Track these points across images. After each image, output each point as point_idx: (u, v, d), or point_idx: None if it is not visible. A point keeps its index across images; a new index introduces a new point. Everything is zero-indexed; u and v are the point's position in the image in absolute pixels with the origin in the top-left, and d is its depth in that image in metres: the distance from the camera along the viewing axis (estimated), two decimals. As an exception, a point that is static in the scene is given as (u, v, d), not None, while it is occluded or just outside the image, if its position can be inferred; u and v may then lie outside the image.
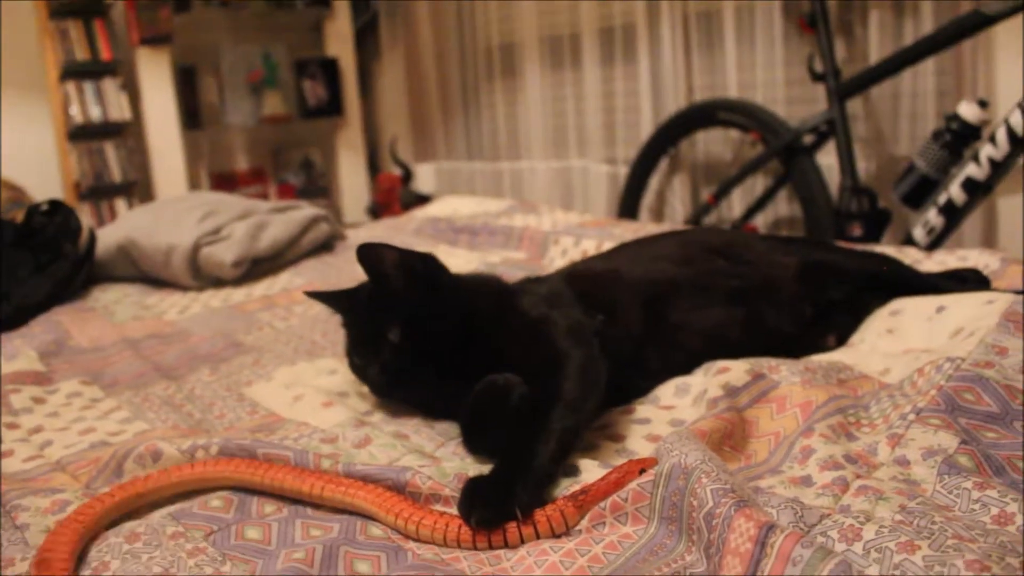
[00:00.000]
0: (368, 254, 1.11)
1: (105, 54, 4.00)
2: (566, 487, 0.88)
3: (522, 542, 0.81)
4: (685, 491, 0.77)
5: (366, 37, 4.80)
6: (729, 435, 0.96)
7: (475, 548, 0.81)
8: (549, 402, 0.95)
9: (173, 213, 2.30)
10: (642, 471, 0.84)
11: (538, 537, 0.81)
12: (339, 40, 4.59)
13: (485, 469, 0.89)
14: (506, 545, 0.81)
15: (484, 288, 1.21)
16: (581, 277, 1.28)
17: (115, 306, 2.00)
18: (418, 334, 1.10)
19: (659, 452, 0.89)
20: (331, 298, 1.24)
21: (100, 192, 4.08)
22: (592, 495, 0.83)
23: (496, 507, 0.82)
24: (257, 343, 1.62)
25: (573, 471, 0.93)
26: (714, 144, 3.16)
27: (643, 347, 1.15)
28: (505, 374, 1.01)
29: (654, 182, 3.23)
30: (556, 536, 0.81)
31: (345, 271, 2.07)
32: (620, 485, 0.83)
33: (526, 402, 0.97)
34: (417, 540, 0.84)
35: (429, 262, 1.16)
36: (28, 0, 3.98)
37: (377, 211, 4.49)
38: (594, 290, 1.21)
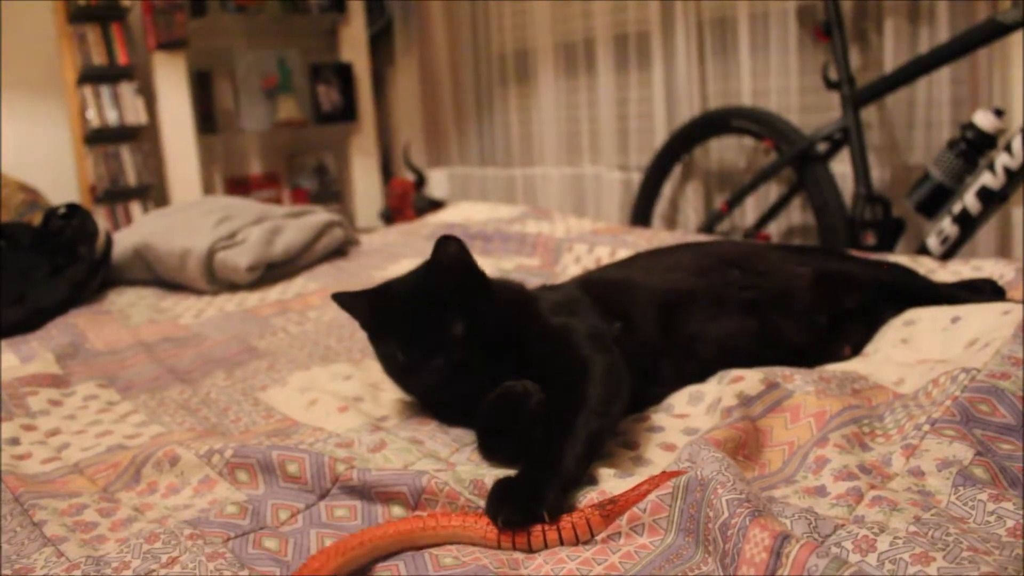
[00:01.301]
0: (442, 246, 1.09)
1: (122, 58, 4.03)
2: (583, 493, 0.89)
3: (546, 546, 0.82)
4: (702, 503, 0.77)
5: (380, 43, 4.82)
6: (743, 444, 0.96)
7: (499, 547, 0.82)
8: (576, 407, 0.95)
9: (188, 217, 2.32)
10: None
11: (562, 543, 0.82)
12: (353, 45, 4.61)
13: (500, 475, 0.90)
14: (530, 548, 0.81)
15: (509, 292, 1.20)
16: (596, 285, 1.29)
17: (130, 309, 2.02)
18: (475, 329, 1.08)
19: (679, 463, 0.89)
20: (360, 299, 1.19)
21: (116, 196, 4.11)
22: (621, 505, 0.83)
23: (524, 508, 0.83)
24: (272, 347, 1.63)
25: (591, 480, 0.93)
26: (728, 151, 3.16)
27: (658, 356, 1.15)
28: (523, 380, 1.01)
29: (667, 189, 3.23)
30: (578, 543, 0.82)
31: (359, 276, 2.08)
32: (645, 497, 0.83)
33: (543, 408, 0.98)
34: (443, 535, 0.84)
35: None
36: (47, 2, 4.02)
37: (390, 216, 4.50)
38: (609, 298, 1.21)
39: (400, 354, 1.12)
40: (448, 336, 1.08)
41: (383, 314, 1.16)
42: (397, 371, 1.16)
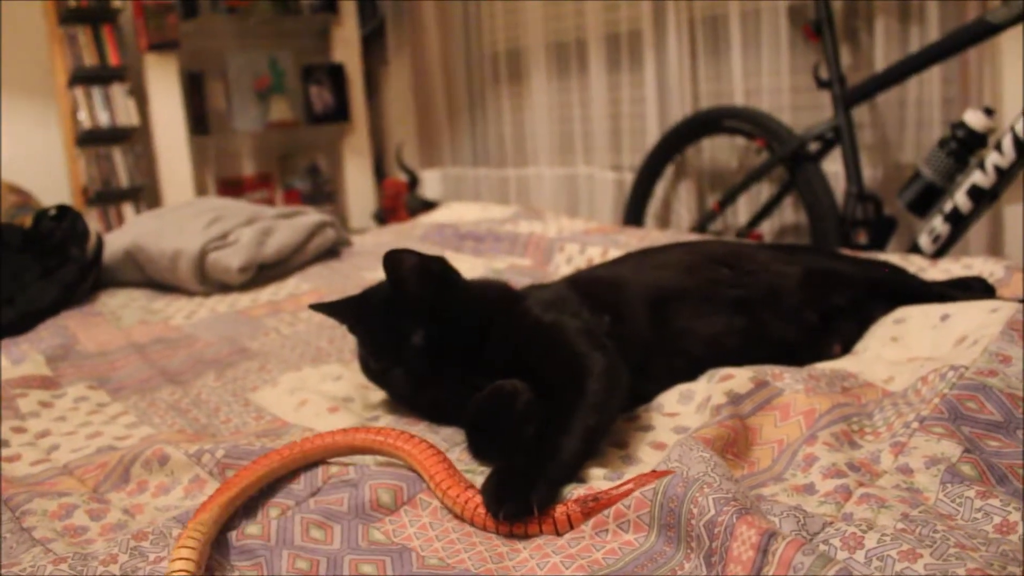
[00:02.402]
0: (392, 260, 1.11)
1: (113, 60, 4.02)
2: (570, 489, 0.89)
3: (526, 534, 0.84)
4: (684, 499, 0.77)
5: (373, 43, 4.81)
6: (732, 443, 0.96)
7: (485, 529, 0.85)
8: (573, 402, 0.96)
9: (180, 218, 2.31)
10: None
11: (541, 532, 0.84)
12: (346, 46, 4.61)
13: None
14: (511, 533, 0.85)
15: (493, 293, 1.21)
16: (585, 283, 1.29)
17: (122, 311, 2.01)
18: (439, 337, 1.10)
19: (667, 462, 0.90)
20: (338, 308, 1.23)
21: (108, 197, 4.10)
22: (603, 503, 0.84)
23: (522, 502, 0.85)
24: (263, 348, 1.63)
25: (579, 478, 0.93)
26: (720, 151, 3.17)
27: (647, 353, 1.15)
28: (512, 380, 1.01)
29: (660, 189, 3.24)
30: (558, 535, 0.83)
31: (351, 277, 2.08)
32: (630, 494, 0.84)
33: (532, 408, 0.98)
34: (441, 504, 0.89)
35: (443, 265, 1.16)
36: (37, 4, 4.01)
37: (383, 217, 4.50)
38: (598, 296, 1.21)
39: (371, 361, 1.17)
40: (409, 347, 1.10)
41: (359, 321, 1.21)
42: (370, 375, 1.21)
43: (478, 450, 1.03)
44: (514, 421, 0.98)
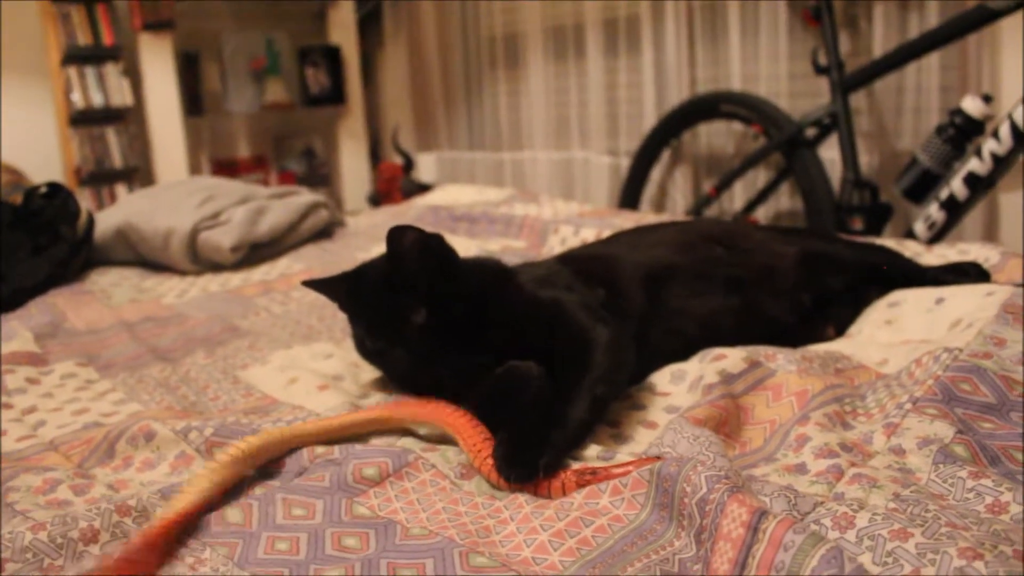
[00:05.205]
0: (394, 235, 1.09)
1: (107, 39, 3.98)
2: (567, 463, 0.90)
3: (522, 489, 0.88)
4: (678, 477, 0.77)
5: (370, 25, 4.78)
6: (724, 423, 0.96)
7: (488, 478, 0.90)
8: (580, 373, 0.98)
9: (172, 197, 2.29)
10: None
11: (535, 493, 0.86)
12: (342, 28, 4.58)
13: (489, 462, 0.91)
14: (508, 487, 0.89)
15: (488, 271, 1.19)
16: (578, 260, 1.28)
17: (112, 289, 2.00)
18: (440, 316, 1.08)
19: (660, 445, 0.89)
20: (330, 285, 1.20)
21: (101, 178, 4.07)
22: (599, 478, 0.85)
23: (532, 468, 0.87)
24: (254, 327, 1.62)
25: (575, 456, 0.93)
26: (716, 136, 3.15)
27: (640, 331, 1.14)
28: (527, 362, 1.00)
29: (656, 174, 3.22)
30: (549, 498, 0.85)
31: (344, 257, 2.07)
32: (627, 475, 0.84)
33: (545, 391, 0.97)
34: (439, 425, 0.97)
35: (441, 243, 1.15)
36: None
37: (378, 200, 4.48)
38: (591, 273, 1.20)
39: (367, 341, 1.14)
40: (409, 325, 1.08)
41: (354, 299, 1.18)
42: (366, 354, 1.18)
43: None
44: (527, 403, 0.97)
